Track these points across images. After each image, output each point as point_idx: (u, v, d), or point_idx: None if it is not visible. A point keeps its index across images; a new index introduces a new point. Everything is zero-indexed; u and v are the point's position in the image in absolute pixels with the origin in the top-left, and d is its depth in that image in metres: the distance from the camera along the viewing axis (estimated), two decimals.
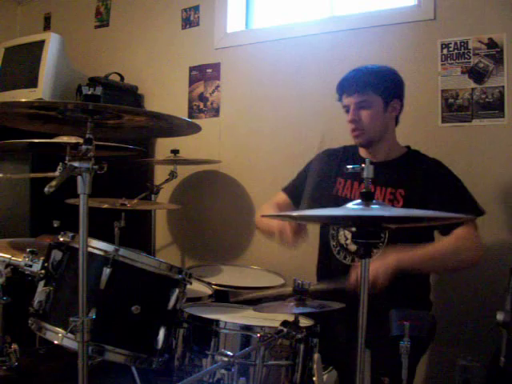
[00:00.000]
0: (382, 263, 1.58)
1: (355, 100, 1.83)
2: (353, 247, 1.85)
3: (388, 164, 1.88)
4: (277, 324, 1.38)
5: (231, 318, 1.61)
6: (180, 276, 1.51)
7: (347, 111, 1.87)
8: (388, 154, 1.90)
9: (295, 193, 2.09)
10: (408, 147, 1.96)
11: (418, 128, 2.33)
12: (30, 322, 1.45)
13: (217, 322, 1.46)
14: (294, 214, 1.36)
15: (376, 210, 1.11)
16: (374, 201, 1.12)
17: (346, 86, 1.86)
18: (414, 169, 1.86)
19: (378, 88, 1.82)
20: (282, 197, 2.13)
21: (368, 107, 1.82)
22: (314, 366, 1.37)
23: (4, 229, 2.51)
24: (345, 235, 1.88)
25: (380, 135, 1.87)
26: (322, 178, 2.00)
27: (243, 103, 2.86)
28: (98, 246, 1.43)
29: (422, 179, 1.82)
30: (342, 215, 1.19)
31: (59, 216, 2.00)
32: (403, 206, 1.79)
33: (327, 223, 1.91)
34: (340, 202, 1.85)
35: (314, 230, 2.05)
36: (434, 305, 1.92)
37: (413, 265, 1.63)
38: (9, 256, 1.56)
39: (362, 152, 1.96)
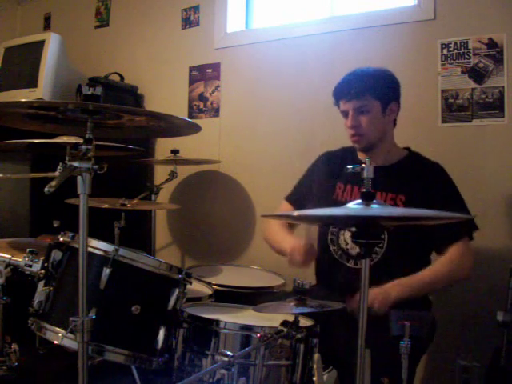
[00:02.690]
0: (383, 296, 1.60)
1: (354, 106, 1.81)
2: (354, 251, 1.85)
3: (388, 168, 1.87)
4: (277, 324, 1.38)
5: (231, 317, 1.61)
6: (180, 276, 1.51)
7: (345, 116, 1.86)
8: (387, 157, 1.89)
9: (298, 200, 2.09)
10: (408, 149, 1.95)
11: (418, 128, 2.33)
12: (29, 322, 1.45)
13: (217, 322, 1.46)
14: (295, 213, 1.35)
15: (376, 209, 1.11)
16: (374, 201, 1.12)
17: (343, 92, 1.84)
18: (415, 174, 1.85)
19: (375, 92, 1.80)
20: (287, 206, 2.13)
21: (367, 112, 1.81)
22: (314, 366, 1.37)
23: (4, 229, 2.51)
24: (345, 240, 1.88)
25: (379, 139, 1.87)
26: (322, 182, 2.00)
27: (243, 103, 2.86)
28: (98, 245, 1.43)
29: (422, 185, 1.81)
30: (342, 215, 1.19)
31: (59, 216, 2.00)
32: None
33: (327, 223, 1.91)
34: (339, 206, 1.85)
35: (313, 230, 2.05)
36: (434, 305, 1.92)
37: (411, 294, 1.67)
38: (9, 256, 1.56)
39: (361, 156, 1.95)
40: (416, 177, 1.84)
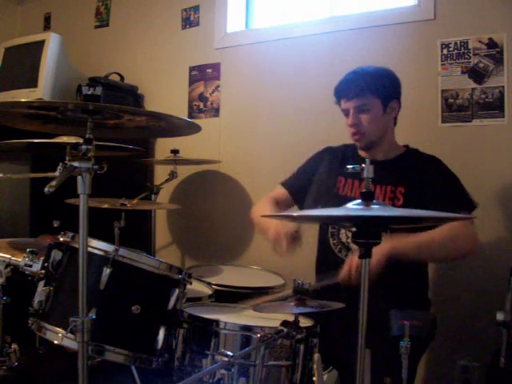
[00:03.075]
0: (375, 250, 1.57)
1: (354, 104, 1.83)
2: (355, 245, 1.85)
3: (387, 163, 1.89)
4: (277, 324, 1.38)
5: (231, 318, 1.61)
6: (180, 276, 1.51)
7: (346, 115, 1.87)
8: (387, 153, 1.91)
9: (295, 188, 2.09)
10: (407, 146, 1.97)
11: (418, 128, 2.33)
12: (30, 322, 1.45)
13: (217, 322, 1.46)
14: (294, 214, 1.36)
15: (376, 210, 1.11)
16: (374, 200, 1.12)
17: (344, 91, 1.86)
18: (413, 166, 1.87)
19: (376, 90, 1.82)
20: (281, 191, 2.12)
21: (367, 111, 1.82)
22: (314, 366, 1.37)
23: (4, 229, 2.51)
24: (346, 233, 1.89)
25: (380, 137, 1.88)
26: (323, 177, 2.01)
27: (243, 103, 2.86)
28: (98, 245, 1.43)
29: (420, 176, 1.83)
30: (342, 215, 1.19)
31: (59, 216, 2.00)
32: (403, 204, 1.80)
33: (327, 223, 1.91)
34: (340, 200, 1.86)
35: (313, 230, 2.06)
36: (435, 304, 1.92)
37: (407, 252, 1.63)
38: (9, 256, 1.56)
39: (362, 152, 1.96)
40: (415, 169, 1.85)
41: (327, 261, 1.97)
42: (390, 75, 1.89)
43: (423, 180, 1.81)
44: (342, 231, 1.91)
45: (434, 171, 1.84)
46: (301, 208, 2.05)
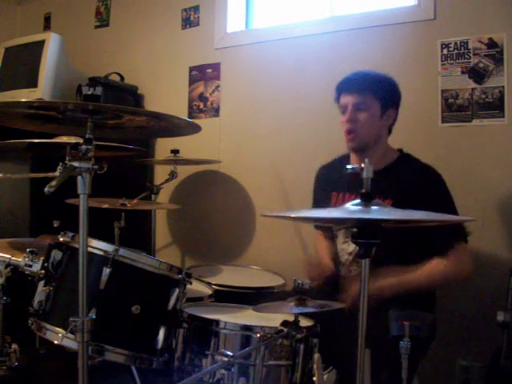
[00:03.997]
0: (377, 295, 1.53)
1: (354, 100, 1.82)
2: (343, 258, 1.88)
3: (378, 173, 1.84)
4: (277, 324, 1.38)
5: (231, 318, 1.61)
6: (180, 276, 1.51)
7: (343, 112, 1.86)
8: (379, 162, 1.84)
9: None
10: (400, 150, 1.92)
11: (418, 128, 2.33)
12: (30, 322, 1.45)
13: (217, 322, 1.46)
14: (293, 215, 1.35)
15: (375, 210, 1.11)
16: (374, 201, 1.12)
17: (347, 86, 1.86)
18: (404, 178, 1.81)
19: (377, 92, 1.82)
20: (319, 236, 2.14)
21: (365, 110, 1.81)
22: (314, 366, 1.37)
23: (4, 229, 2.51)
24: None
25: (373, 141, 1.85)
26: (320, 195, 2.04)
27: (243, 103, 2.86)
28: (98, 245, 1.43)
29: (409, 189, 1.76)
30: (340, 217, 1.19)
31: (59, 216, 2.00)
32: None
33: (326, 225, 1.91)
34: None
35: (311, 231, 2.06)
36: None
37: (406, 293, 1.63)
38: (9, 256, 1.56)
39: (354, 157, 1.94)
40: (404, 180, 1.80)
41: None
42: (393, 84, 1.88)
43: (412, 194, 1.73)
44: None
45: (427, 185, 1.79)
46: None
